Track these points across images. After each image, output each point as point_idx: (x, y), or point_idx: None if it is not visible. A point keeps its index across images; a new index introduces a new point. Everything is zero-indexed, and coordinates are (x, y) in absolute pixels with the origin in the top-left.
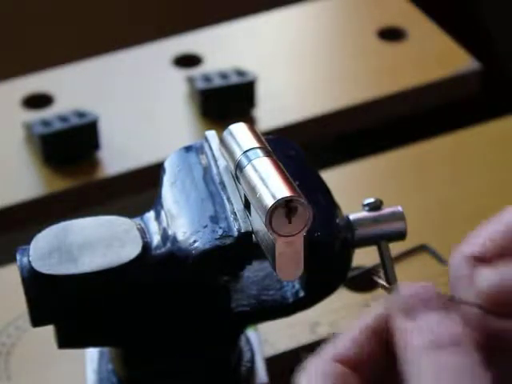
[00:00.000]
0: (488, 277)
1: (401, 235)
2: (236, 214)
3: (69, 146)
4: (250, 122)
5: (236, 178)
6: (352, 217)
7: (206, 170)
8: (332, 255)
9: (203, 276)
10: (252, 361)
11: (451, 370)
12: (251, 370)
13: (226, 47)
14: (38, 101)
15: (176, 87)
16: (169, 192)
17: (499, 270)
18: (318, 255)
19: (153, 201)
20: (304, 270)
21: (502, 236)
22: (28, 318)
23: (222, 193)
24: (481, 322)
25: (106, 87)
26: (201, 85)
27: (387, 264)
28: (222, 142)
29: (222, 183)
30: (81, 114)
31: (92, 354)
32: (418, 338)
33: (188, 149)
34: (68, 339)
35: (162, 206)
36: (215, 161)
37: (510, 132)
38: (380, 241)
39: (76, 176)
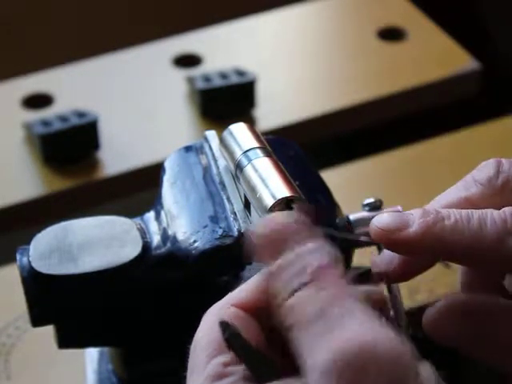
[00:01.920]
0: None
1: None
2: (236, 214)
3: (69, 146)
4: (250, 122)
5: (236, 178)
6: (352, 217)
7: (206, 170)
8: None
9: (203, 276)
10: None
11: (313, 303)
12: None
13: (226, 47)
14: (37, 101)
15: (176, 87)
16: (169, 192)
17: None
18: None
19: (153, 201)
20: None
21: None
22: (28, 317)
23: (221, 193)
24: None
25: (105, 87)
26: (201, 85)
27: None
28: (222, 141)
29: (221, 183)
30: (81, 114)
31: (92, 354)
32: (282, 280)
33: (188, 149)
34: (68, 339)
35: (161, 206)
36: (215, 161)
37: (510, 132)
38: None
39: (76, 176)
